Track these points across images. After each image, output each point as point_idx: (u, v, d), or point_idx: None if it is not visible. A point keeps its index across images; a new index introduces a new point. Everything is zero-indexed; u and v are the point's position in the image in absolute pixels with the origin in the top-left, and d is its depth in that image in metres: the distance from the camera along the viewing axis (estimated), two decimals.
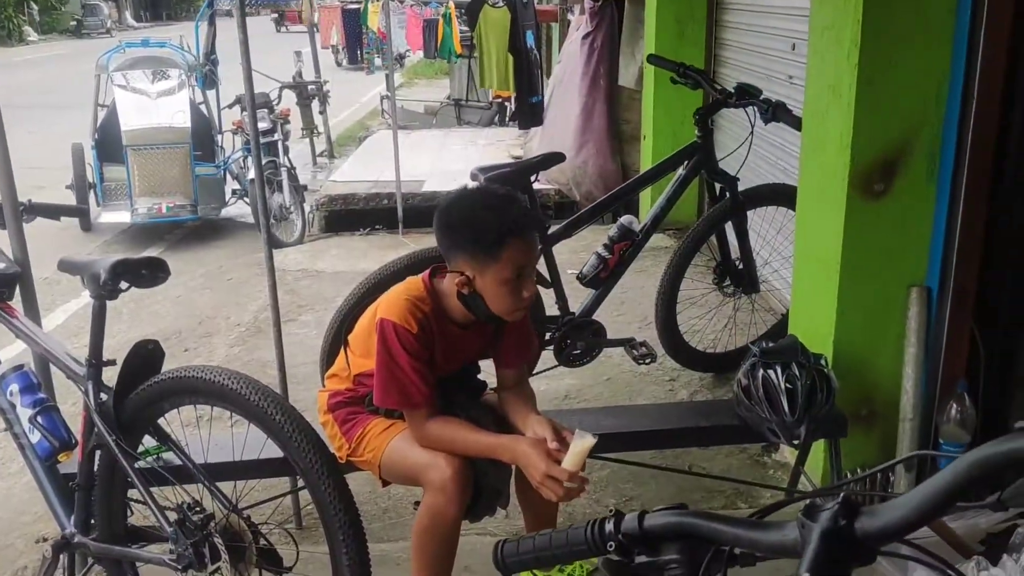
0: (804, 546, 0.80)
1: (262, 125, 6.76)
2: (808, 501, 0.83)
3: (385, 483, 2.26)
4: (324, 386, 2.38)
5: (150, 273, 2.13)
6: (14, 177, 2.54)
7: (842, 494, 0.81)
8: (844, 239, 2.63)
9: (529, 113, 7.58)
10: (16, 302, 2.52)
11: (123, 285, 2.11)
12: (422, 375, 2.05)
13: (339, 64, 18.49)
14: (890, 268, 2.68)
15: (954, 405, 2.64)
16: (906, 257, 2.68)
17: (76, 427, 2.28)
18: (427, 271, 2.18)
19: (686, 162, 3.43)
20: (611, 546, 0.95)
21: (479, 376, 2.35)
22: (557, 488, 1.90)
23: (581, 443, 1.89)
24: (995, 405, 2.75)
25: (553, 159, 3.31)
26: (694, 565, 0.92)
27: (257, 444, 2.23)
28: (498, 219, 2.00)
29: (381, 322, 2.06)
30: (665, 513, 0.94)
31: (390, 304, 2.10)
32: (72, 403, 3.24)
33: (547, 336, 3.34)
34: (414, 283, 2.17)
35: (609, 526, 0.96)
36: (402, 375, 2.04)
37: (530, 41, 7.54)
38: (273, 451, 2.09)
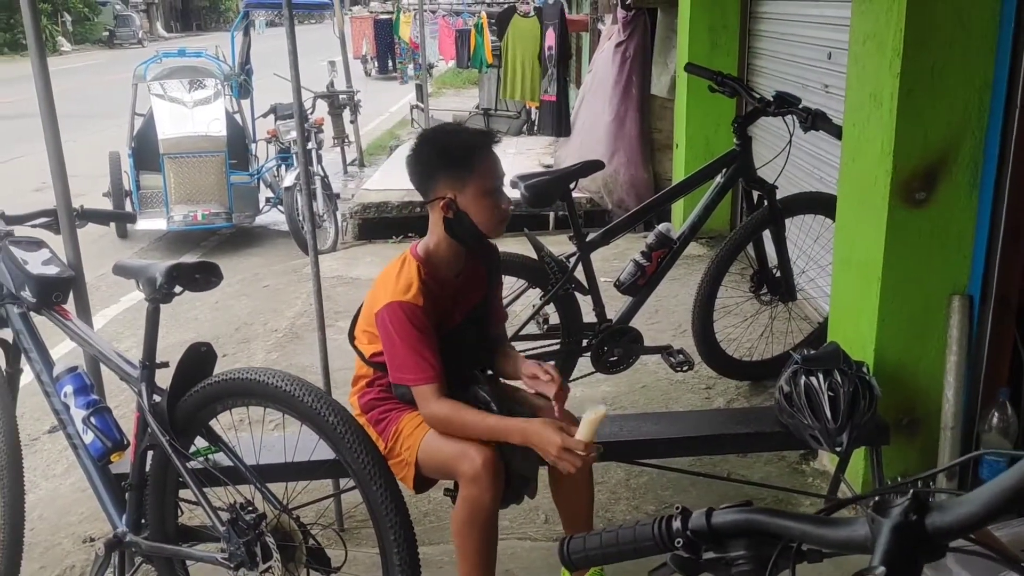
0: (875, 541, 0.82)
1: (297, 134, 6.83)
2: (877, 498, 0.85)
3: (418, 490, 2.29)
4: (352, 390, 2.42)
5: (203, 277, 2.18)
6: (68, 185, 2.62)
7: (912, 490, 0.82)
8: (885, 247, 2.64)
9: (545, 117, 7.62)
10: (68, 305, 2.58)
11: (177, 289, 2.15)
12: (431, 348, 2.12)
13: (368, 74, 18.63)
14: (932, 276, 2.68)
15: (996, 413, 2.64)
16: (948, 265, 2.67)
17: (126, 428, 2.33)
18: (412, 244, 2.30)
19: (724, 170, 3.44)
20: (679, 542, 0.97)
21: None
22: (574, 460, 1.97)
23: (593, 413, 1.98)
24: None
25: (592, 167, 3.34)
26: (762, 561, 0.93)
27: (304, 446, 2.27)
28: (463, 137, 2.24)
29: (384, 309, 2.13)
30: (733, 510, 0.95)
31: (386, 286, 2.18)
32: (116, 405, 3.31)
33: (584, 343, 3.36)
34: (401, 258, 2.26)
35: (677, 523, 0.97)
36: (412, 351, 2.11)
37: (549, 41, 7.54)
38: (324, 453, 2.12)
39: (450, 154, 2.17)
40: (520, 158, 8.17)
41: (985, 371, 2.69)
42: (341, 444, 1.96)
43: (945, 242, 2.65)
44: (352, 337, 2.40)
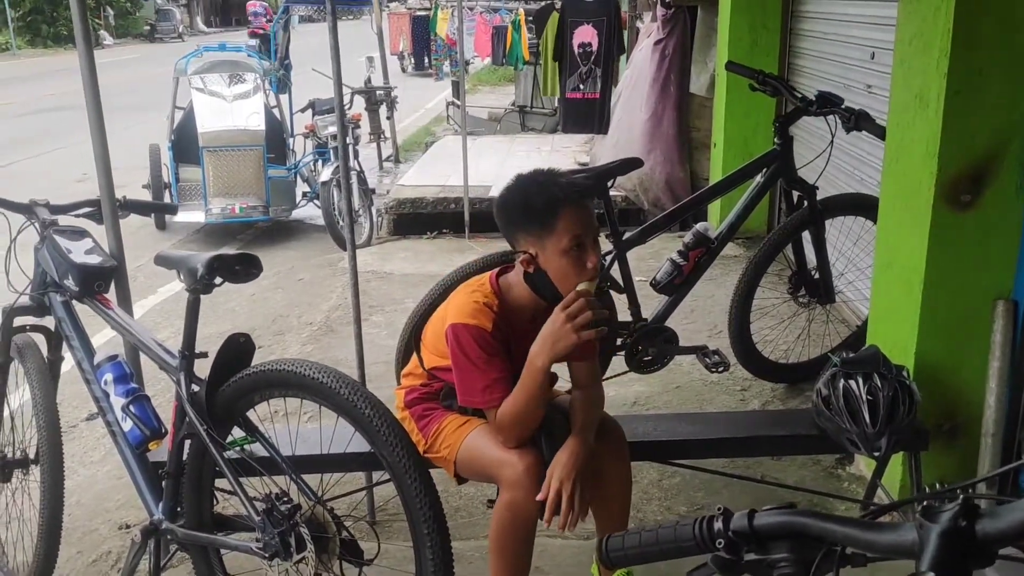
0: (923, 546, 0.81)
1: (334, 129, 6.88)
2: (926, 502, 0.83)
3: (460, 480, 2.30)
4: (400, 384, 2.42)
5: (244, 269, 2.19)
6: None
7: (962, 495, 0.81)
8: (928, 250, 2.59)
9: (576, 115, 7.56)
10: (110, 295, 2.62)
11: (217, 280, 2.17)
12: (502, 372, 2.09)
13: (404, 71, 18.71)
14: (975, 280, 2.63)
15: None
16: (992, 269, 2.62)
17: (164, 416, 2.36)
18: (493, 271, 2.24)
19: (764, 170, 3.41)
20: (720, 543, 0.96)
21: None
22: (587, 315, 1.95)
23: (583, 284, 2.04)
24: None
25: (631, 164, 3.32)
26: (805, 564, 0.92)
27: (340, 438, 2.28)
28: (547, 190, 2.07)
29: (453, 327, 2.09)
30: (775, 512, 0.94)
31: (461, 307, 2.14)
32: (154, 394, 3.35)
33: (619, 341, 3.35)
34: (480, 283, 2.22)
35: (718, 523, 0.96)
36: (483, 376, 2.08)
37: (581, 38, 7.45)
38: (359, 445, 2.13)
39: (532, 209, 2.07)
40: (556, 156, 8.16)
41: None
42: (376, 437, 1.97)
43: (990, 246, 2.60)
44: (418, 340, 2.38)
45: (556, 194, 2.06)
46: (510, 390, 2.08)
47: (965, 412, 2.73)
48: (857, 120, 3.14)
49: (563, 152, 8.31)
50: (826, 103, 3.26)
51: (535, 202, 2.06)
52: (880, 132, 3.02)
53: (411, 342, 2.68)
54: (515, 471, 2.05)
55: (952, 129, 2.51)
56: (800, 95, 3.41)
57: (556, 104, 9.95)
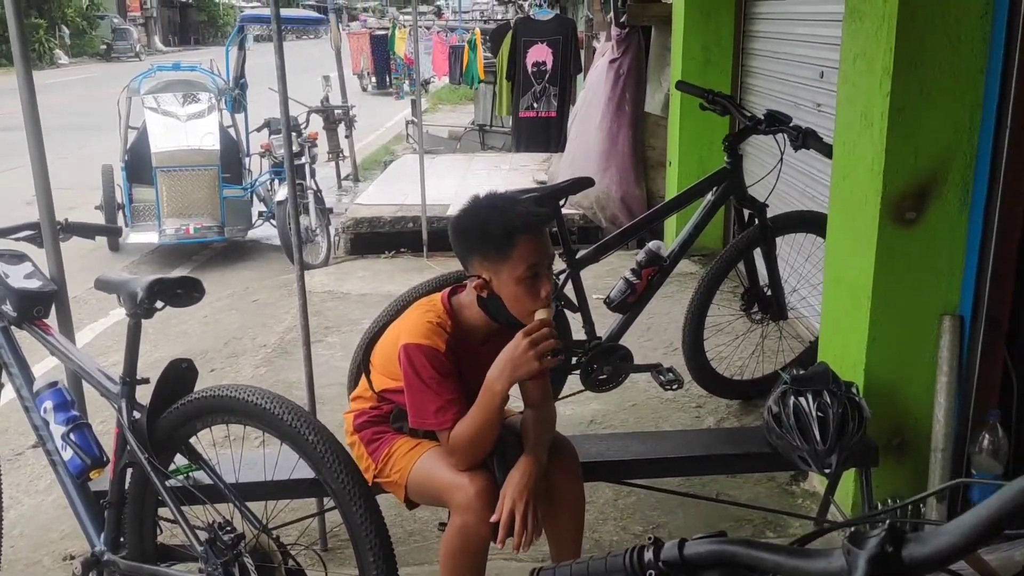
0: (851, 572, 0.80)
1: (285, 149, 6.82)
2: (852, 528, 0.83)
3: (411, 505, 2.27)
4: (349, 408, 2.39)
5: (185, 292, 2.15)
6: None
7: (888, 520, 0.80)
8: (876, 267, 2.62)
9: (531, 134, 7.60)
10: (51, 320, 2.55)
11: (158, 304, 2.13)
12: (455, 394, 2.07)
13: (364, 89, 18.70)
14: (922, 296, 2.66)
15: (986, 435, 2.61)
16: (938, 285, 2.66)
17: (107, 445, 2.30)
18: (445, 291, 2.22)
19: (715, 188, 3.43)
20: (651, 574, 0.94)
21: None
22: (549, 343, 1.95)
23: (544, 311, 2.04)
24: None
25: (582, 184, 3.32)
26: None
27: (286, 465, 2.24)
28: (504, 217, 2.06)
29: (406, 347, 2.07)
30: (706, 541, 0.93)
31: (414, 327, 2.11)
32: (100, 421, 3.27)
33: (574, 360, 3.34)
34: (432, 303, 2.20)
35: (648, 554, 0.95)
36: (436, 397, 2.05)
37: (535, 57, 7.49)
38: (304, 472, 2.09)
39: (489, 236, 2.05)
40: (514, 174, 8.17)
41: (976, 392, 2.67)
42: (321, 464, 1.94)
43: (935, 262, 2.63)
44: (368, 362, 2.35)
45: (514, 222, 2.05)
46: (463, 411, 2.06)
47: (914, 428, 2.75)
48: (804, 138, 3.18)
49: (521, 171, 8.32)
50: (774, 122, 3.30)
51: (492, 229, 2.05)
52: (827, 150, 3.06)
53: (362, 363, 2.65)
54: (466, 495, 2.03)
55: (896, 147, 2.54)
56: (749, 114, 3.44)
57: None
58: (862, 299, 2.69)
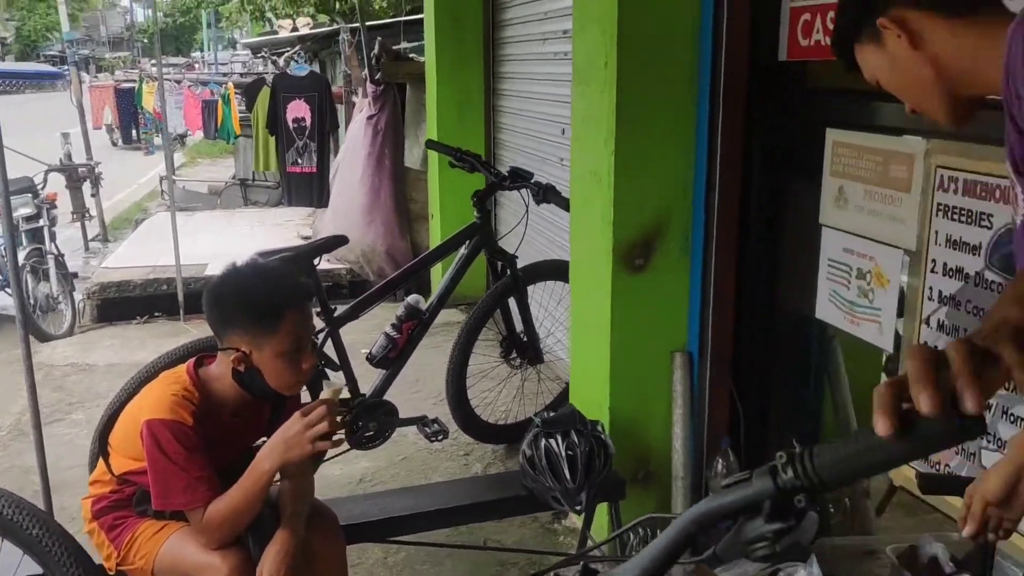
0: None
1: (26, 211, 6.32)
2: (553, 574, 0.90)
3: None
4: (88, 493, 2.23)
5: None
6: None
7: (582, 563, 0.87)
8: (612, 310, 2.81)
9: (298, 189, 7.55)
10: None
11: None
12: (204, 470, 1.98)
13: (115, 144, 17.65)
14: (654, 336, 2.88)
15: (720, 460, 2.85)
16: (668, 325, 2.89)
17: None
18: (190, 361, 2.13)
19: (468, 241, 3.55)
20: None
21: None
22: (320, 417, 1.91)
23: (330, 390, 2.04)
24: (756, 457, 2.98)
25: (336, 242, 3.33)
26: None
27: (11, 562, 2.04)
28: (273, 291, 2.02)
29: (149, 423, 1.96)
30: None
31: (157, 401, 2.01)
32: None
33: (339, 419, 3.30)
34: (177, 376, 2.10)
35: None
36: (184, 475, 1.96)
37: (295, 113, 7.46)
38: (30, 567, 1.93)
39: (254, 309, 1.99)
40: (279, 229, 8.01)
41: (708, 422, 2.91)
42: (49, 558, 1.80)
43: (664, 304, 2.86)
44: (106, 443, 2.19)
45: (284, 296, 2.02)
46: (213, 488, 1.98)
47: (657, 459, 2.96)
48: (545, 193, 3.37)
49: (286, 226, 8.17)
50: (517, 178, 3.47)
51: (259, 301, 2.00)
52: (565, 204, 3.26)
53: (102, 443, 2.49)
54: (219, 574, 1.95)
55: (622, 201, 2.75)
56: (496, 171, 3.61)
57: (279, 178, 9.81)
58: (602, 341, 2.87)
